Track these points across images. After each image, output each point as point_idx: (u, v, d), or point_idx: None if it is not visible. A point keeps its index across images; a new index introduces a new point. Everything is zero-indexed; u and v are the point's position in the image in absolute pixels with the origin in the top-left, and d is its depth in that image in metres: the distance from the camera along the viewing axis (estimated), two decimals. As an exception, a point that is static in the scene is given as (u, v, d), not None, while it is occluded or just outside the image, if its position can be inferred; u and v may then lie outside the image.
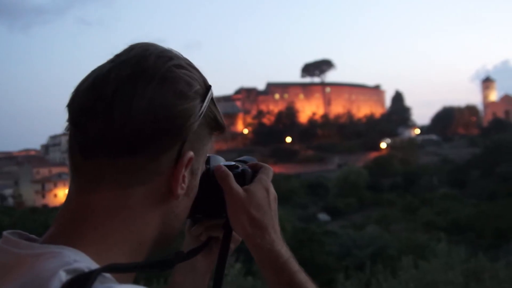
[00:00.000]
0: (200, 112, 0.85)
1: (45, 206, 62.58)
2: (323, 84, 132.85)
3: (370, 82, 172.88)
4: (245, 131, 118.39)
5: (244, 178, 1.04)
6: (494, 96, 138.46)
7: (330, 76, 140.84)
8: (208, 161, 1.02)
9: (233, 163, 1.08)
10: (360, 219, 42.32)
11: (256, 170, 1.08)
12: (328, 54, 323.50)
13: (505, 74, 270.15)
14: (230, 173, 1.02)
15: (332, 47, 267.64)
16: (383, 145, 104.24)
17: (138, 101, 0.79)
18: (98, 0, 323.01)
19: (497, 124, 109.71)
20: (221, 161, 1.06)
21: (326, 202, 55.17)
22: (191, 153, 0.85)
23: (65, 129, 0.85)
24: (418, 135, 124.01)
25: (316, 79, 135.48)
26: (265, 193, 1.03)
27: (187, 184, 0.87)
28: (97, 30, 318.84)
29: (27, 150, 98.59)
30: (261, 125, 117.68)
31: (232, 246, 1.11)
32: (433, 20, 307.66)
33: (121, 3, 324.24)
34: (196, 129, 0.85)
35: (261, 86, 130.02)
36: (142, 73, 0.81)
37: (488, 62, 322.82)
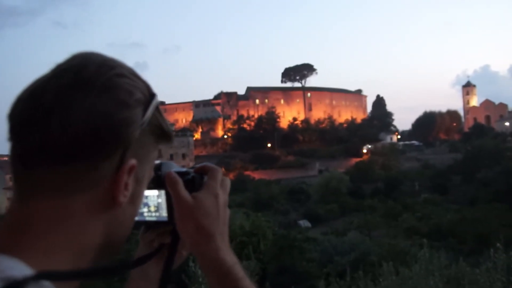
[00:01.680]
0: (143, 120, 0.85)
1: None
2: (304, 89, 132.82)
3: (352, 87, 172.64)
4: (225, 136, 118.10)
5: (194, 185, 1.04)
6: (474, 101, 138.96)
7: (311, 81, 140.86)
8: (160, 167, 1.03)
9: (185, 169, 1.07)
10: (342, 225, 42.26)
11: (204, 173, 1.07)
12: (309, 59, 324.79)
13: (486, 79, 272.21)
14: (179, 180, 1.02)
15: (313, 52, 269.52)
16: (364, 150, 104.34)
17: (78, 110, 0.78)
18: (73, 3, 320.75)
19: (478, 129, 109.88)
20: (173, 168, 1.06)
21: (307, 208, 55.09)
22: (133, 161, 0.84)
23: (7, 139, 0.83)
24: (399, 140, 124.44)
25: (297, 84, 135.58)
26: (214, 200, 1.03)
27: (131, 191, 0.86)
28: (73, 33, 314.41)
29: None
30: (242, 130, 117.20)
31: (184, 253, 1.11)
32: (414, 25, 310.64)
33: (98, 6, 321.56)
34: (139, 137, 0.84)
35: (241, 91, 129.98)
36: (83, 82, 0.81)
37: (469, 67, 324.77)
